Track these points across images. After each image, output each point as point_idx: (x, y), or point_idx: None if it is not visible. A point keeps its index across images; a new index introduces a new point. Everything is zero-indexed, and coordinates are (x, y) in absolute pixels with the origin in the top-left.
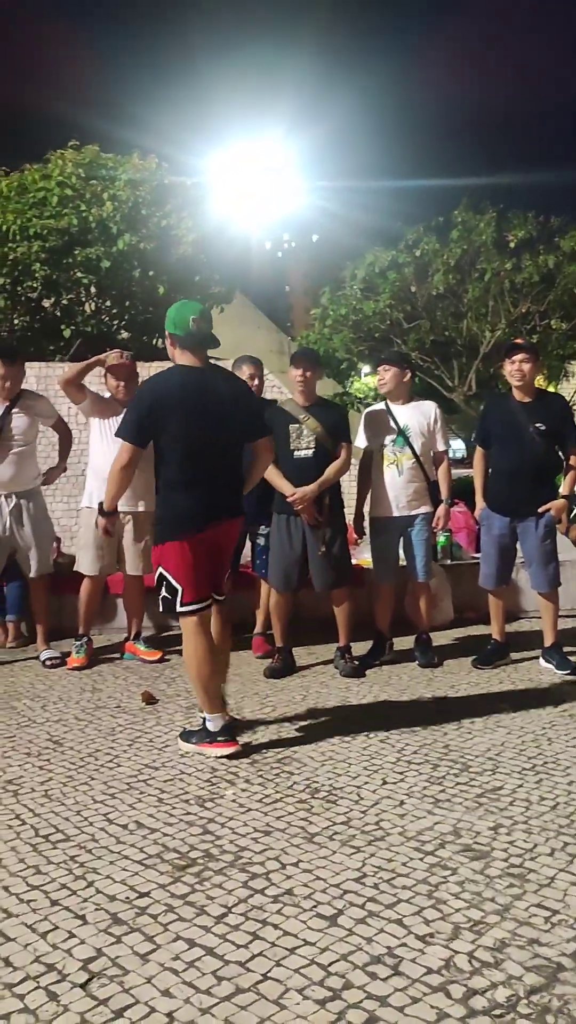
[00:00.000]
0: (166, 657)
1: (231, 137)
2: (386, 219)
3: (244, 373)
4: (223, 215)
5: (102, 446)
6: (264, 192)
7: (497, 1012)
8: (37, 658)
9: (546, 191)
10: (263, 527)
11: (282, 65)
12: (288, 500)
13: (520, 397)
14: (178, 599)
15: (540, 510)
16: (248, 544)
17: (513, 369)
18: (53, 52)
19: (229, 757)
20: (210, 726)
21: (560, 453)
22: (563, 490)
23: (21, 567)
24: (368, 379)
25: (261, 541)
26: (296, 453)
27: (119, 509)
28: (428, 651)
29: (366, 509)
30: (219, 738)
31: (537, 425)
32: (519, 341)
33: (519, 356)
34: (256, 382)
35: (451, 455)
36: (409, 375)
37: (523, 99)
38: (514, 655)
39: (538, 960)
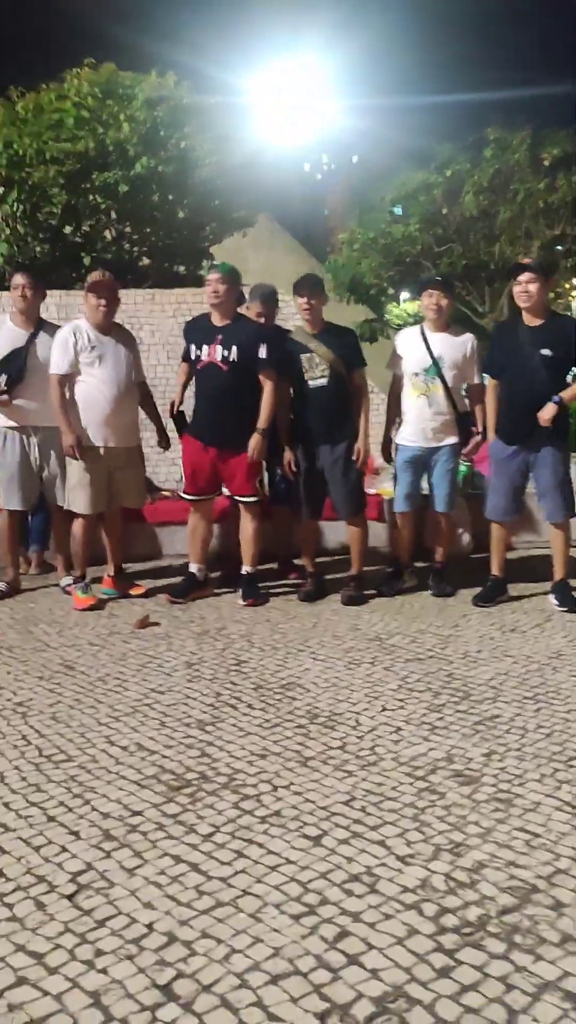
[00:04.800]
0: (152, 590)
1: (264, 53)
2: (423, 137)
3: (252, 311)
4: (250, 135)
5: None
6: (299, 111)
7: (466, 930)
8: (57, 585)
9: None
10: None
11: None
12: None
13: (528, 320)
14: None
15: (539, 415)
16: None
17: (519, 291)
18: None
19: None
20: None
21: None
22: (565, 395)
23: (48, 498)
24: (407, 305)
25: (278, 471)
26: (310, 383)
27: (111, 445)
28: (442, 581)
29: (394, 435)
30: None
31: (543, 352)
32: (525, 260)
33: (524, 276)
34: (263, 320)
35: None
36: (449, 302)
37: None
38: (525, 584)
39: (513, 882)
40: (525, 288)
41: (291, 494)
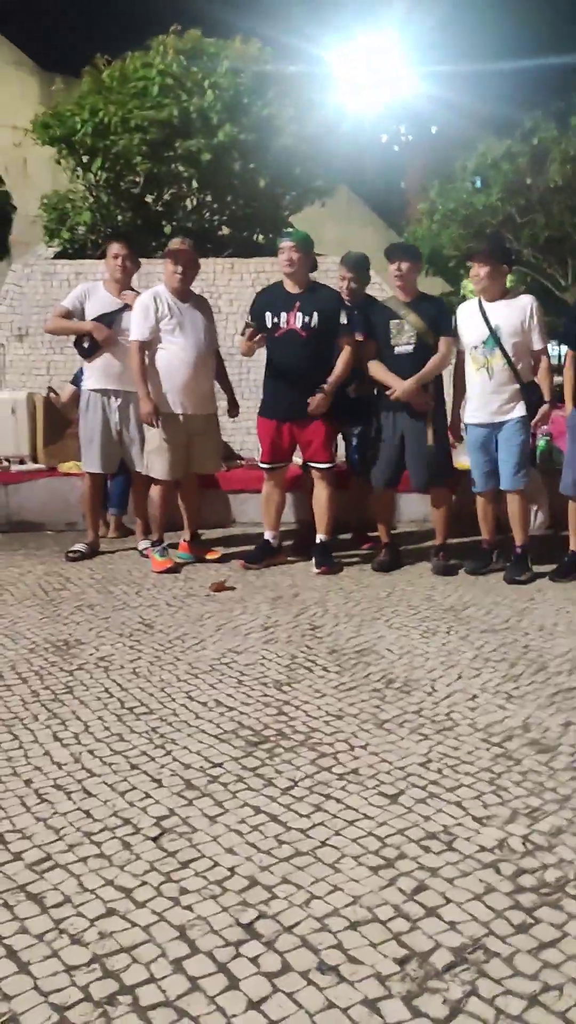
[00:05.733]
0: (226, 556)
1: (345, 20)
2: (505, 106)
3: (340, 276)
4: (331, 104)
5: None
6: (378, 80)
7: (544, 891)
8: (135, 548)
9: None
10: (356, 427)
11: None
12: (388, 395)
13: None
14: None
15: None
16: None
17: None
18: None
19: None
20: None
21: None
22: None
23: (127, 463)
24: None
25: (355, 441)
26: (396, 348)
27: (190, 412)
28: (517, 566)
29: (462, 413)
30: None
31: None
32: None
33: None
34: (345, 284)
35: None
36: (505, 269)
37: None
38: None
39: None
40: None
41: (364, 464)
